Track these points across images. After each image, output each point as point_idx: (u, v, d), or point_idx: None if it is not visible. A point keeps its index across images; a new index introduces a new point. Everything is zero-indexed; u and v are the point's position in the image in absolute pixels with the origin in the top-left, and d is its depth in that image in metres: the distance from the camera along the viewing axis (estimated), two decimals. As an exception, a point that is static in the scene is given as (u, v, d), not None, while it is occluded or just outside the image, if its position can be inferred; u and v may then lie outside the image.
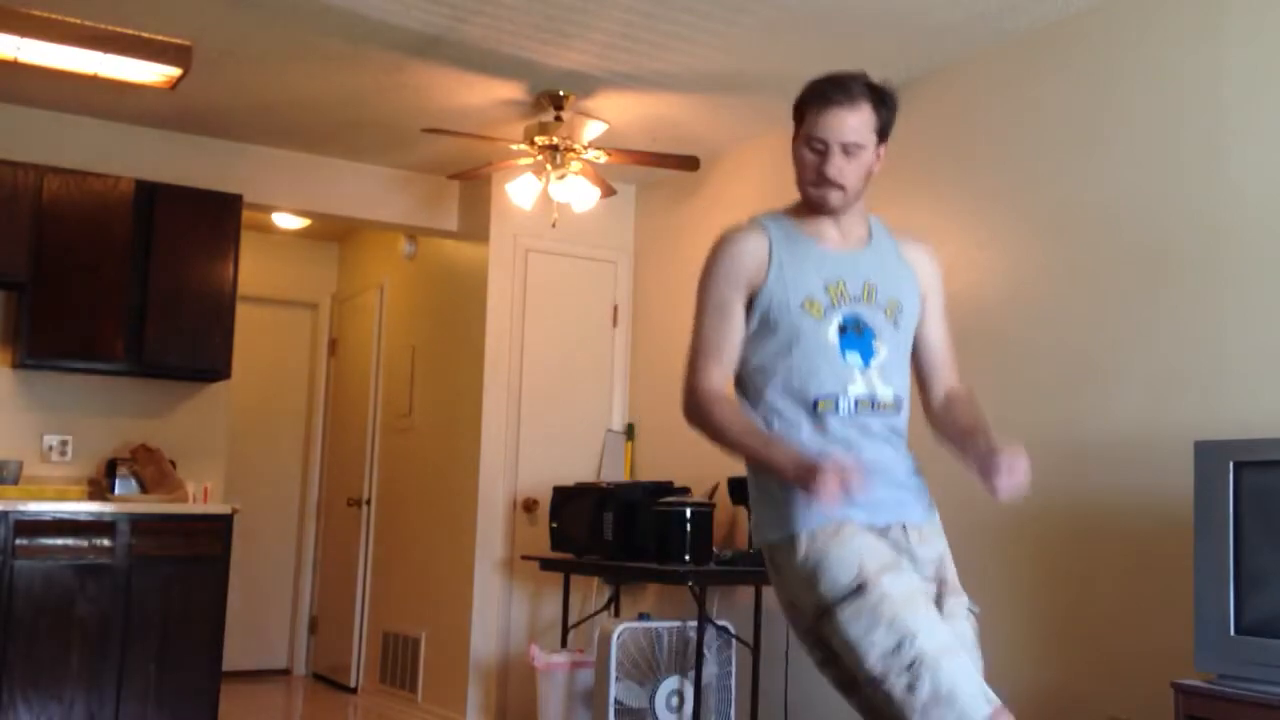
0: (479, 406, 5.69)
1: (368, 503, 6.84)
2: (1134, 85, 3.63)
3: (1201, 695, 2.67)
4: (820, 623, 2.22)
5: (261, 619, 7.20)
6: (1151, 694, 3.12)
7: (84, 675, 4.70)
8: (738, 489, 4.71)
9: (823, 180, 2.29)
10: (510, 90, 4.72)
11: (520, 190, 4.84)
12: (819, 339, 2.30)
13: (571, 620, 5.29)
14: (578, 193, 4.87)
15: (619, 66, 4.44)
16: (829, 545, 2.21)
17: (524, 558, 5.50)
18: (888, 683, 2.11)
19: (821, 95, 2.29)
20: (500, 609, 5.63)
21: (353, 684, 6.74)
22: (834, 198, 2.32)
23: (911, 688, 2.09)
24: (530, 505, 5.72)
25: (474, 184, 5.86)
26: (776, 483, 2.28)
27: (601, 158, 4.85)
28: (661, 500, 4.72)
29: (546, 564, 5.22)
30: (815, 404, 2.28)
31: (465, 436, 5.78)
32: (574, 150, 4.74)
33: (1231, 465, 2.73)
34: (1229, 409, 3.21)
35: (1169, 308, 3.43)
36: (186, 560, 4.94)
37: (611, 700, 4.47)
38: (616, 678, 4.48)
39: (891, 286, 2.37)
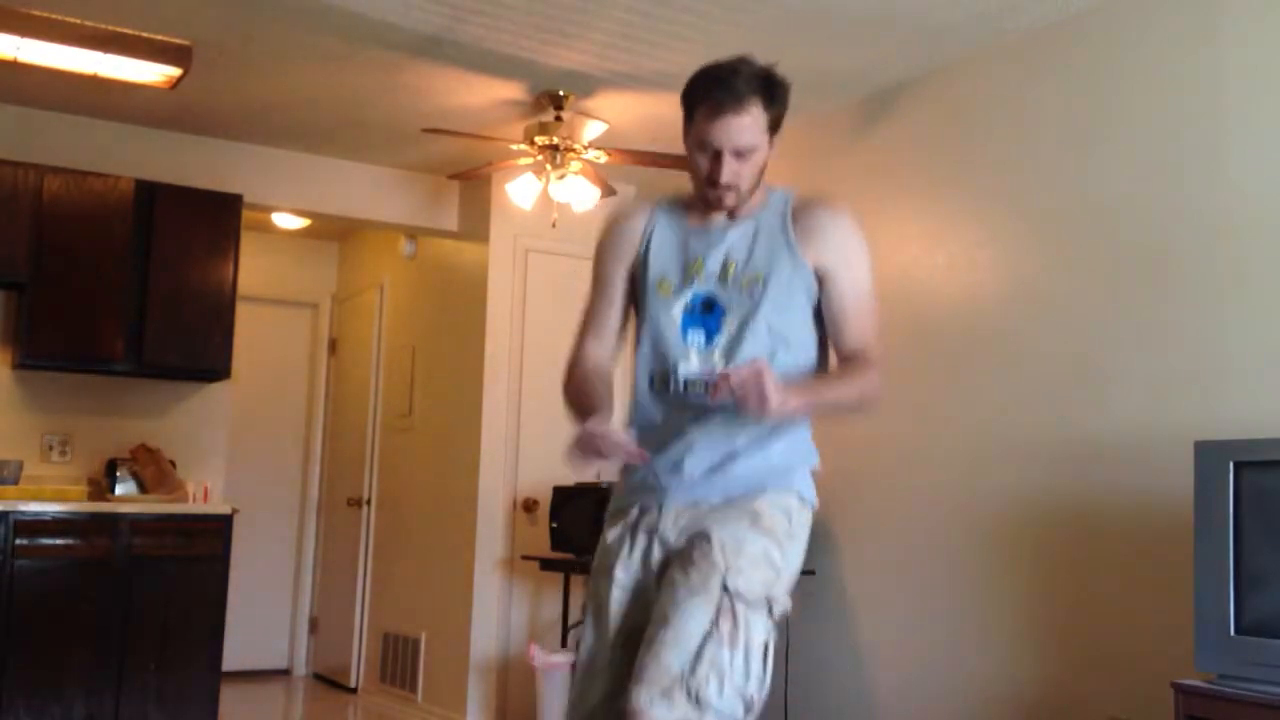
0: (479, 406, 5.69)
1: (368, 503, 6.84)
2: (1133, 85, 3.63)
3: (1201, 695, 2.67)
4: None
5: (261, 619, 7.20)
6: (1151, 694, 3.12)
7: (84, 675, 4.70)
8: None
9: (716, 185, 2.23)
10: (510, 90, 4.72)
11: (520, 190, 4.84)
12: (665, 318, 2.28)
13: (571, 620, 5.29)
14: (578, 193, 4.87)
15: (619, 66, 4.44)
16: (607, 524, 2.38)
17: (524, 558, 5.50)
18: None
19: (710, 100, 2.20)
20: (500, 609, 5.63)
21: (353, 684, 6.74)
22: (729, 199, 2.26)
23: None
24: (530, 505, 5.72)
25: (474, 184, 5.86)
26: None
27: (601, 158, 4.85)
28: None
29: (546, 564, 5.22)
30: (652, 381, 2.29)
31: (465, 436, 5.78)
32: (574, 150, 4.74)
33: (1231, 465, 2.73)
34: (1229, 409, 3.21)
35: (1169, 308, 3.43)
36: (186, 560, 4.94)
37: (611, 700, 4.46)
38: (616, 678, 4.48)
39: (760, 260, 2.26)
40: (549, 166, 4.73)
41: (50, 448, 5.29)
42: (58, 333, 5.06)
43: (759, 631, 2.12)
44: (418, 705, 5.97)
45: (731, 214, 2.31)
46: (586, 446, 2.10)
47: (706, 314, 2.26)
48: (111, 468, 5.22)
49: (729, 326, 2.24)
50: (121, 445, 5.37)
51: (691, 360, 2.24)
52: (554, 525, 5.19)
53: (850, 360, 2.31)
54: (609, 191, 5.05)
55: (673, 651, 2.04)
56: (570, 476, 5.52)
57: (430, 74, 4.57)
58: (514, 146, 4.85)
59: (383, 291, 6.94)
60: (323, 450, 7.52)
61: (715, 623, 2.07)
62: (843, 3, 3.82)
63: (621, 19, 4.01)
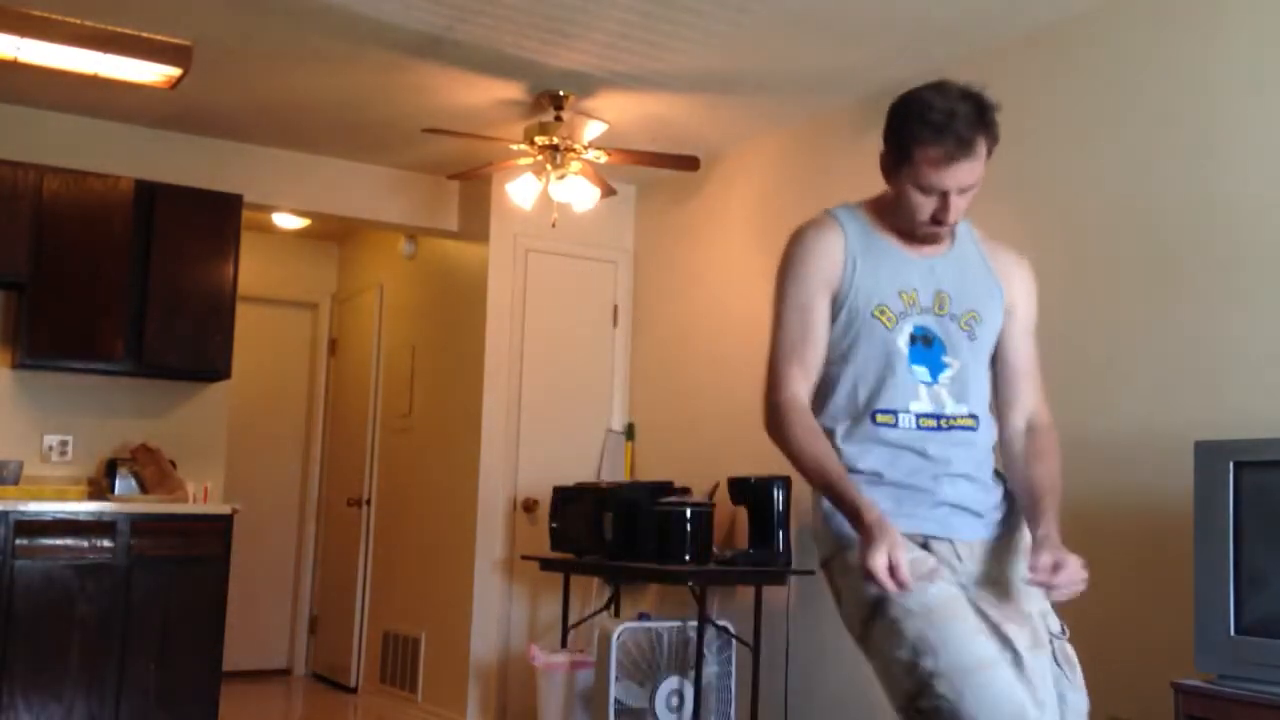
0: (479, 406, 5.69)
1: (368, 503, 6.84)
2: (1134, 85, 3.62)
3: (1201, 695, 2.67)
4: (862, 641, 2.12)
5: (261, 619, 7.20)
6: (1151, 694, 3.12)
7: (84, 675, 4.70)
8: (737, 489, 4.71)
9: (940, 224, 2.15)
10: (510, 90, 4.72)
11: (520, 190, 4.84)
12: (887, 348, 2.15)
13: (571, 620, 5.29)
14: (578, 193, 4.87)
15: (619, 66, 4.44)
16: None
17: (524, 558, 5.50)
18: (912, 705, 1.98)
19: (938, 146, 2.07)
20: (500, 609, 5.63)
21: (353, 684, 6.74)
22: (945, 234, 2.21)
23: (936, 710, 1.94)
24: (530, 505, 5.72)
25: (474, 184, 5.86)
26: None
27: (601, 158, 4.84)
28: (661, 500, 4.72)
29: (546, 564, 5.22)
30: (874, 416, 2.15)
31: (465, 436, 5.78)
32: (574, 150, 4.73)
33: (1231, 465, 2.73)
34: (1229, 409, 3.21)
35: (1169, 307, 3.43)
36: (186, 560, 4.94)
37: (611, 700, 4.47)
38: (616, 678, 4.48)
39: (970, 297, 2.21)
40: (549, 166, 4.73)
41: (50, 448, 5.29)
42: (58, 333, 5.06)
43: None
44: (418, 705, 5.97)
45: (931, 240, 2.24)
46: (886, 573, 1.95)
47: (926, 348, 2.17)
48: (111, 468, 5.22)
49: (951, 364, 2.17)
50: (121, 445, 5.37)
51: (921, 398, 2.16)
52: (554, 525, 5.19)
53: (1048, 441, 2.28)
54: (609, 191, 5.05)
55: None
56: (570, 477, 5.52)
57: (430, 74, 4.57)
58: (514, 146, 4.84)
59: (382, 292, 6.94)
60: (323, 450, 7.52)
61: (1055, 660, 2.11)
62: (843, 3, 3.82)
63: (621, 19, 4.01)
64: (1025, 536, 2.20)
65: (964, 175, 2.10)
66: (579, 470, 5.73)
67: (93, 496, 5.18)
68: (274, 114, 5.17)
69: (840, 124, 4.77)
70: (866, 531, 2.00)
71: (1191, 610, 2.79)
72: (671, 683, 4.57)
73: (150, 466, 5.24)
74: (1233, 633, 2.68)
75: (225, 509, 5.08)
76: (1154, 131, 3.54)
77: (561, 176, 4.76)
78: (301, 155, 5.74)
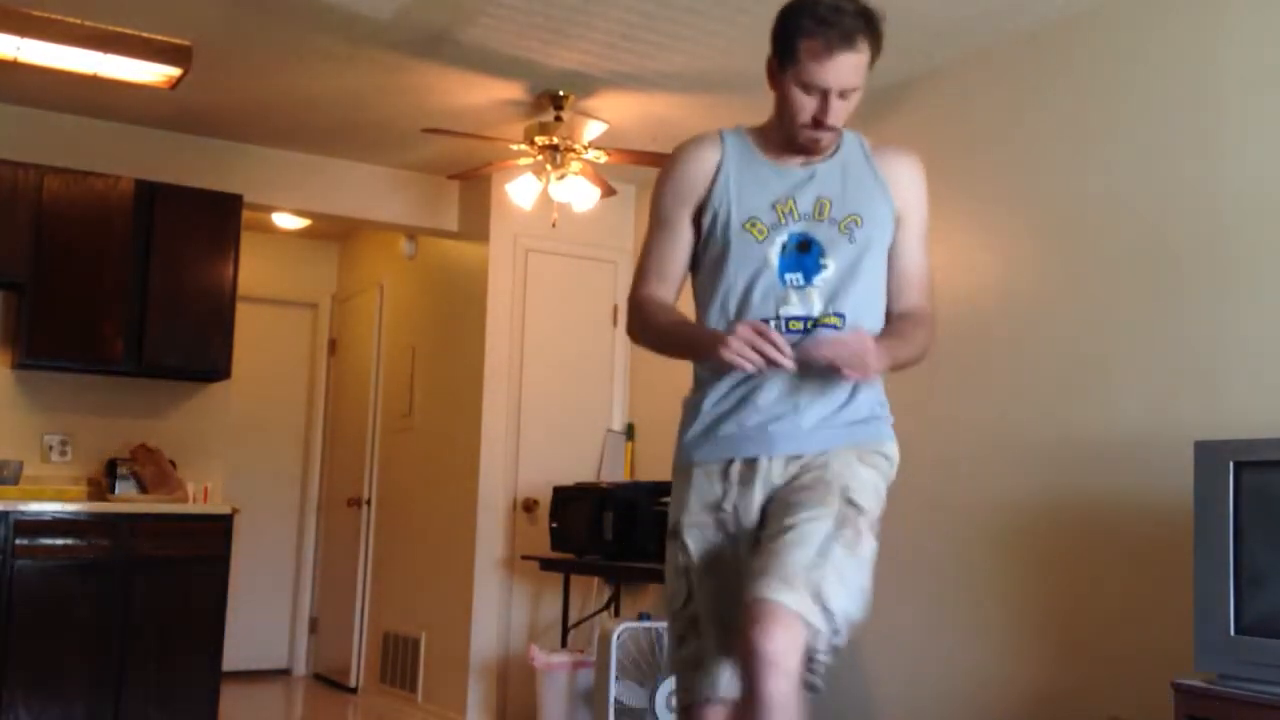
0: (479, 406, 5.69)
1: (368, 503, 6.84)
2: (1134, 85, 3.63)
3: (1201, 695, 2.67)
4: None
5: (261, 619, 7.20)
6: (1151, 694, 3.12)
7: (84, 675, 4.70)
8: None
9: (820, 126, 2.17)
10: (510, 90, 4.72)
11: (520, 190, 4.84)
12: (757, 260, 2.20)
13: (571, 620, 5.29)
14: (578, 193, 4.87)
15: (619, 66, 4.44)
16: (676, 485, 2.33)
17: (524, 558, 5.50)
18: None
19: (819, 36, 2.10)
20: (500, 609, 5.63)
21: (353, 684, 6.74)
22: (826, 139, 2.22)
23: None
24: (530, 505, 5.72)
25: (474, 184, 5.86)
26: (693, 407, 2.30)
27: (601, 158, 4.85)
28: (661, 500, 4.71)
29: (546, 564, 5.22)
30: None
31: (465, 437, 5.78)
32: (574, 150, 4.74)
33: (1231, 465, 2.73)
34: (1229, 409, 3.21)
35: (1169, 308, 3.43)
36: (186, 560, 4.94)
37: (611, 700, 4.47)
38: (616, 678, 4.48)
39: (852, 201, 2.23)
40: (549, 166, 4.73)
41: (50, 448, 5.29)
42: (58, 333, 5.06)
43: (869, 548, 2.12)
44: (418, 705, 5.97)
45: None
46: (751, 340, 2.04)
47: (803, 254, 2.20)
48: (111, 468, 5.22)
49: (829, 267, 2.19)
50: (121, 445, 5.37)
51: (792, 302, 2.19)
52: (554, 525, 5.20)
53: (912, 315, 2.30)
54: (609, 191, 5.05)
55: (797, 550, 2.00)
56: (570, 477, 5.52)
57: (430, 74, 4.57)
58: (514, 146, 4.85)
59: (382, 291, 6.94)
60: (323, 450, 7.52)
61: (838, 528, 2.05)
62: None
63: (622, 19, 4.01)
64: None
65: (846, 71, 2.13)
66: (579, 470, 5.73)
67: (93, 496, 5.18)
68: (274, 114, 5.17)
69: (840, 124, 4.77)
70: (713, 339, 2.12)
71: (1191, 610, 2.79)
72: (672, 683, 4.57)
73: (150, 466, 5.24)
74: (1232, 633, 2.68)
75: (225, 509, 5.08)
76: (1154, 130, 3.54)
77: (561, 176, 4.76)
78: (301, 155, 5.74)
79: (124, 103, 5.05)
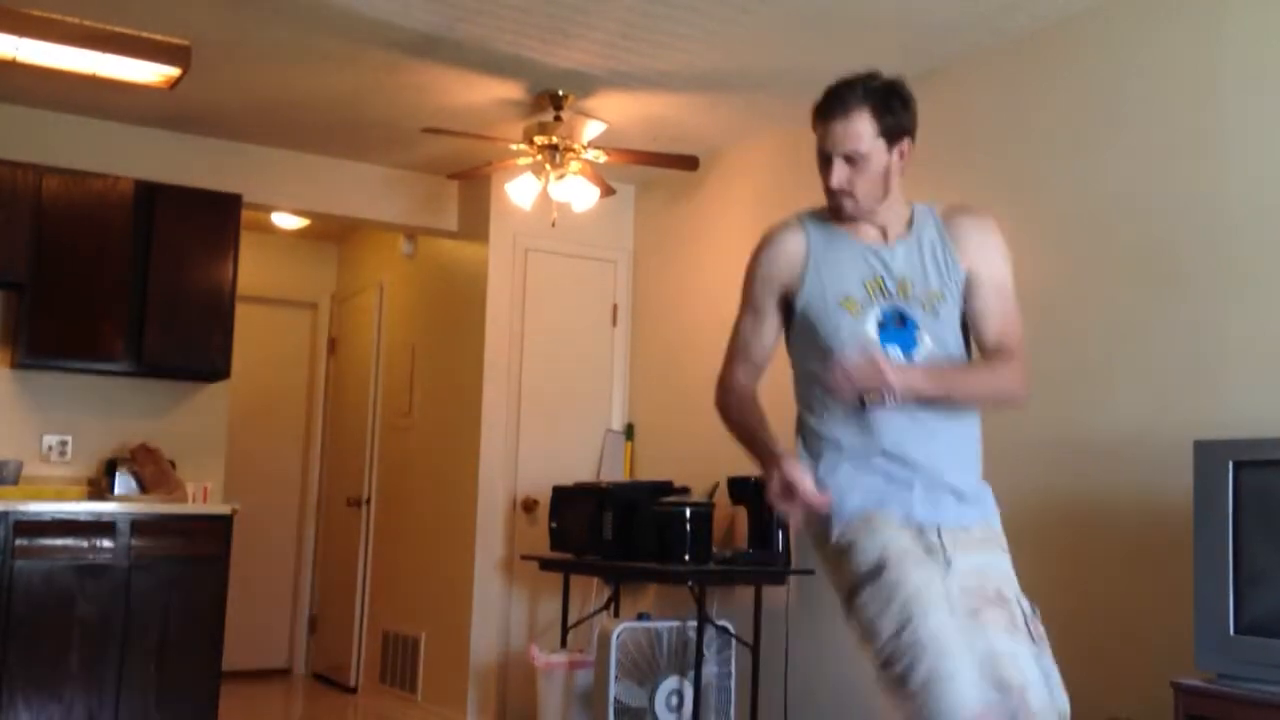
0: (479, 406, 5.69)
1: (368, 502, 6.84)
2: (1134, 85, 3.63)
3: (1201, 695, 2.67)
4: (849, 606, 2.27)
5: (261, 619, 7.20)
6: (1151, 694, 3.12)
7: (84, 675, 4.70)
8: (737, 489, 4.71)
9: (828, 191, 2.34)
10: (510, 90, 4.72)
11: (520, 190, 4.84)
12: (857, 336, 2.31)
13: (571, 620, 5.29)
14: (577, 193, 4.87)
15: (619, 66, 4.44)
16: (859, 533, 2.27)
17: (524, 558, 5.50)
18: (891, 667, 2.13)
19: (819, 108, 2.32)
20: (500, 609, 5.63)
21: (353, 684, 6.74)
22: (846, 205, 2.35)
23: (910, 670, 2.09)
24: (530, 505, 5.72)
25: (474, 184, 5.86)
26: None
27: (601, 158, 4.85)
28: (661, 500, 4.72)
29: (546, 564, 5.22)
30: (862, 399, 2.28)
31: (465, 436, 5.78)
32: (573, 150, 4.74)
33: (1231, 465, 2.73)
34: (1229, 409, 3.21)
35: (1169, 308, 3.43)
36: (186, 560, 4.94)
37: (611, 700, 4.47)
38: (616, 677, 4.48)
39: (931, 278, 2.36)
40: (548, 166, 4.73)
41: (50, 448, 5.29)
42: (58, 333, 5.06)
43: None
44: (417, 705, 5.97)
45: (886, 234, 2.38)
46: (788, 493, 2.22)
47: (899, 328, 2.33)
48: (111, 468, 5.22)
49: (924, 340, 2.32)
50: (121, 445, 5.37)
51: None
52: (554, 525, 5.19)
53: (990, 355, 2.40)
54: (608, 191, 5.05)
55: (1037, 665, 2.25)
56: (570, 477, 5.52)
57: (430, 74, 4.57)
58: (514, 146, 4.85)
59: (382, 291, 6.94)
60: (323, 450, 7.52)
61: (1032, 639, 2.28)
62: (843, 3, 3.82)
63: (622, 19, 4.01)
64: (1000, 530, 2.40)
65: (839, 136, 2.29)
66: (579, 470, 5.73)
67: (92, 496, 5.18)
68: (274, 114, 5.17)
69: (840, 124, 4.76)
70: (771, 460, 2.28)
71: (1191, 609, 2.79)
72: (671, 683, 4.57)
73: (150, 466, 5.24)
74: (1232, 632, 2.68)
75: (225, 509, 5.08)
76: (1153, 130, 3.54)
77: (561, 176, 4.76)
78: (301, 155, 5.73)
79: (123, 103, 5.04)
